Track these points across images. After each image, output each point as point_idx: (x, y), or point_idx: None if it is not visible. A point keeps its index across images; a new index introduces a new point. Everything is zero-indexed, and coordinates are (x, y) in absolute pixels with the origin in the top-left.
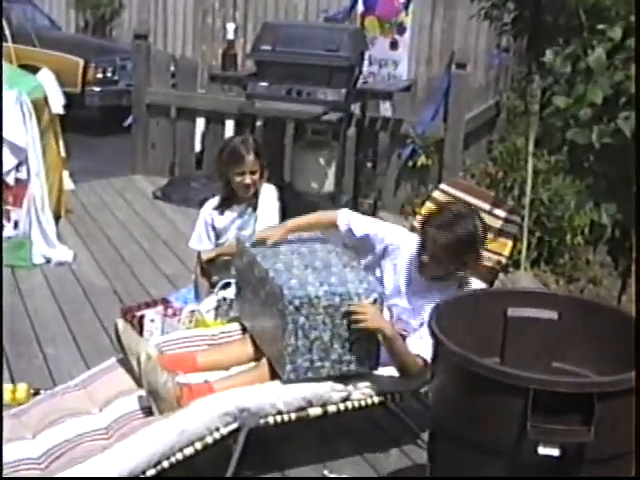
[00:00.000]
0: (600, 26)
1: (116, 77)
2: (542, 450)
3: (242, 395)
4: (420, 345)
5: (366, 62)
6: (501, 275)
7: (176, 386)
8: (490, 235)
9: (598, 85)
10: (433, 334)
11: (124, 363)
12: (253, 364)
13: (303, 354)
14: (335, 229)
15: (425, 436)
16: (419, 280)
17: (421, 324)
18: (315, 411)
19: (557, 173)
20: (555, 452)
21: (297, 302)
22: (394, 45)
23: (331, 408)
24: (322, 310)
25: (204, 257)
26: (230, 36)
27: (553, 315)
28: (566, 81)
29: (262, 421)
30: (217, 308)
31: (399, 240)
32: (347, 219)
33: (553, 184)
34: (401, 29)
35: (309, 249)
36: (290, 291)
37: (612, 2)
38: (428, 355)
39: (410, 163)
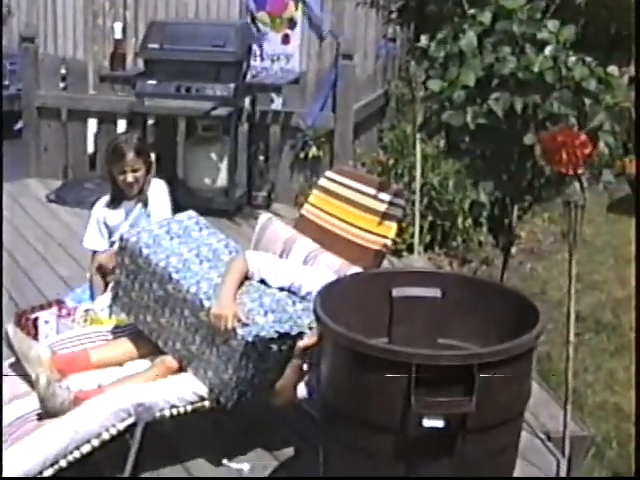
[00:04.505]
0: (471, 11)
1: (6, 82)
2: (427, 422)
3: (135, 392)
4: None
5: (258, 58)
6: (395, 260)
7: (71, 403)
8: (376, 218)
9: (470, 68)
10: (318, 318)
11: (17, 367)
12: (146, 362)
13: (248, 381)
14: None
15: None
16: None
17: None
18: (211, 403)
19: (446, 157)
20: (439, 424)
21: (250, 338)
22: (286, 39)
23: (225, 400)
24: (273, 343)
25: (86, 243)
26: (118, 36)
27: (437, 293)
28: (440, 65)
29: (158, 414)
30: (111, 306)
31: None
32: (256, 265)
33: (442, 168)
34: (292, 23)
35: (212, 252)
36: (241, 327)
37: None
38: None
39: (302, 155)
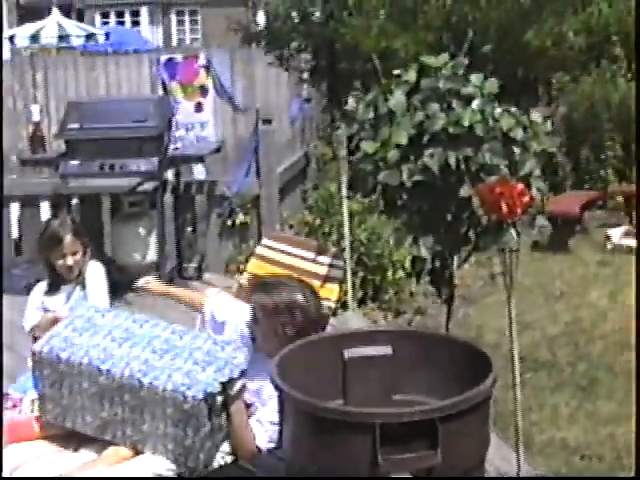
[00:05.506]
0: (396, 71)
1: None
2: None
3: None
4: (257, 430)
5: (173, 127)
6: (331, 319)
7: None
8: (317, 282)
9: (401, 126)
10: (276, 385)
11: None
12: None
13: (210, 438)
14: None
15: None
16: (258, 358)
17: (264, 403)
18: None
19: (371, 212)
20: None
21: (201, 396)
22: (199, 107)
23: (185, 475)
24: (219, 395)
25: (28, 328)
26: (36, 118)
27: (388, 350)
28: (371, 126)
29: None
30: None
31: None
32: (212, 306)
33: (369, 223)
34: (204, 91)
35: (124, 331)
36: (189, 389)
37: (402, 44)
38: (262, 442)
39: (229, 222)
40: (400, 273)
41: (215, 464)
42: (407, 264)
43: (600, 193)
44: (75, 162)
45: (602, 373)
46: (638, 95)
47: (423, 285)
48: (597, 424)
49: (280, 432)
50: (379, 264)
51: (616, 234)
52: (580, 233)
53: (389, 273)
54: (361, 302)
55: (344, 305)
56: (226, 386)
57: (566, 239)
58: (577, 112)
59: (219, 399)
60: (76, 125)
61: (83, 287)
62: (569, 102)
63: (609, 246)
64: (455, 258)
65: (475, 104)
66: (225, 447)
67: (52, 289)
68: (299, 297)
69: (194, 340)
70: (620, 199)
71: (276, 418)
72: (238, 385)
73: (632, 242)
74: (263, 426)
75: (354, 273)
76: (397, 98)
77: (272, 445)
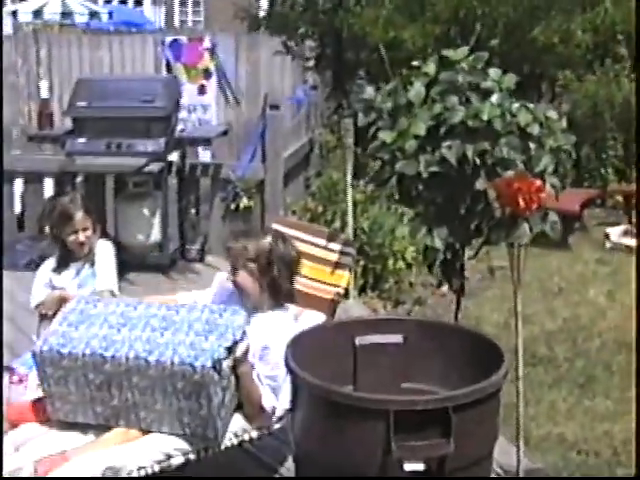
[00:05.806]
0: (415, 63)
1: None
2: (408, 467)
3: (102, 457)
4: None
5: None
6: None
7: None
8: (328, 268)
9: (419, 118)
10: (290, 369)
11: None
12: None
13: (223, 406)
14: None
15: (283, 471)
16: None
17: (261, 357)
18: (177, 460)
19: (374, 202)
20: (420, 467)
21: (209, 363)
22: (202, 90)
23: (192, 456)
24: (225, 360)
25: (34, 304)
26: (44, 94)
27: (399, 339)
28: (389, 116)
29: (125, 476)
30: None
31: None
32: (190, 298)
33: (371, 213)
34: (207, 74)
35: (120, 316)
36: (196, 360)
37: (409, 36)
38: (266, 401)
39: (233, 206)
40: (400, 263)
41: (227, 442)
42: (407, 254)
43: (599, 191)
44: (82, 140)
45: (599, 370)
46: (638, 95)
47: (422, 276)
48: (594, 420)
49: (291, 409)
50: (380, 253)
51: (615, 233)
52: (579, 231)
53: (390, 262)
54: (361, 290)
55: (345, 293)
56: (231, 350)
57: (566, 236)
58: (580, 110)
59: (226, 364)
60: (84, 103)
61: (92, 264)
62: (572, 100)
63: (608, 245)
64: (466, 250)
65: (494, 98)
66: (233, 426)
67: (60, 266)
68: (267, 239)
69: (191, 313)
70: (620, 198)
71: (272, 372)
72: (242, 347)
73: (630, 241)
74: (262, 383)
75: (355, 261)
76: (417, 89)
77: (273, 404)
